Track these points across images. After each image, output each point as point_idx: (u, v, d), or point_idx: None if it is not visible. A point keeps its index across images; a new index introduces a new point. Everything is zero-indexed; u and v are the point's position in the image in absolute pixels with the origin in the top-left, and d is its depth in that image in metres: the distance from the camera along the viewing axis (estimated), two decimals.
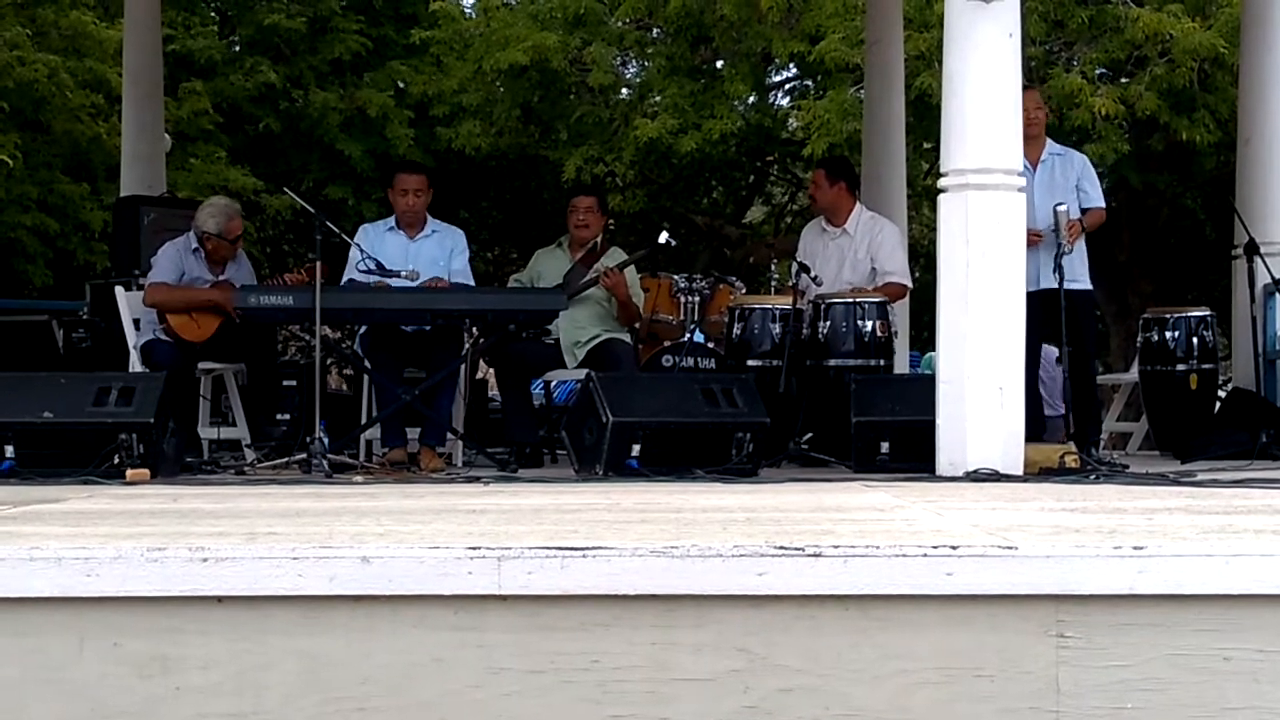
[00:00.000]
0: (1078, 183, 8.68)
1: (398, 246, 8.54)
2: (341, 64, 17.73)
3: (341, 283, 8.38)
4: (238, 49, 18.18)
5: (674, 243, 10.07)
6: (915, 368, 13.37)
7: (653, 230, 15.28)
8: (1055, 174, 8.67)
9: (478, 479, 7.00)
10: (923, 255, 16.91)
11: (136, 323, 8.76)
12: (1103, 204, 8.78)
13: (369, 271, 8.20)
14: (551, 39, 16.17)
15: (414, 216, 8.64)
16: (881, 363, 8.60)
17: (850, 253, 9.07)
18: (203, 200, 9.63)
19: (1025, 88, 10.54)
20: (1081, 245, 8.67)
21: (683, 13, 16.33)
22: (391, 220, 8.73)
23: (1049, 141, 8.91)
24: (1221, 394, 10.39)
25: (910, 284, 9.33)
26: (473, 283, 8.86)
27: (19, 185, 15.47)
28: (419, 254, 8.51)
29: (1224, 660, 3.54)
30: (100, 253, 15.61)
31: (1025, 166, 8.60)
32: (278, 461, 7.75)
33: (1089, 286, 8.76)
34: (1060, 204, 8.34)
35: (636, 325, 9.38)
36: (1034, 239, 8.16)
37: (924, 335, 15.28)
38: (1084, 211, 8.64)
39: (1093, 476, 6.86)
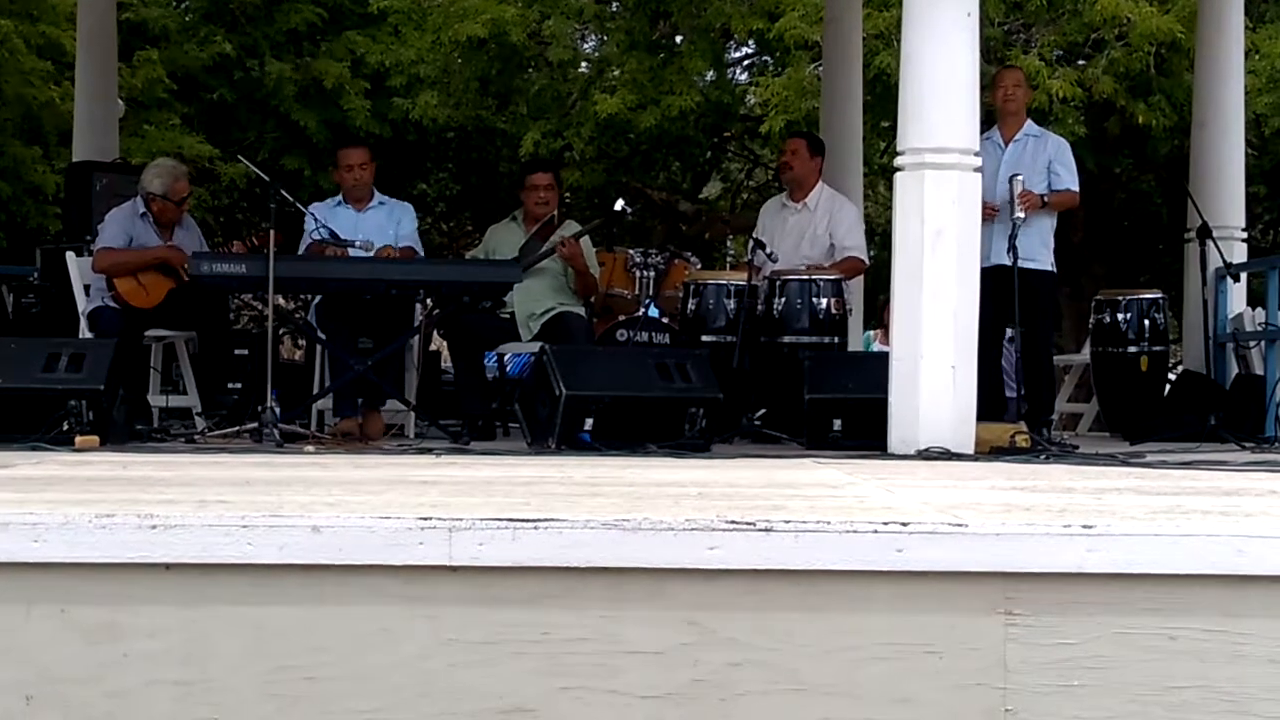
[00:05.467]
0: (1050, 164, 8.68)
1: (347, 219, 8.62)
2: (297, 34, 17.63)
3: (299, 253, 8.38)
4: (192, 18, 18.04)
5: (629, 211, 10.10)
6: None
7: (609, 204, 15.29)
8: (1026, 153, 8.68)
9: (430, 450, 6.99)
10: (878, 234, 16.96)
11: (87, 288, 8.71)
12: (1074, 188, 8.75)
13: (323, 241, 8.19)
14: (510, 12, 16.10)
15: (361, 190, 8.73)
16: (835, 340, 8.64)
17: (810, 228, 9.12)
18: None
19: (1006, 66, 10.65)
20: (1046, 226, 8.67)
21: None
22: (339, 196, 8.83)
23: (1029, 122, 8.93)
24: (1172, 376, 10.47)
25: (867, 260, 9.40)
26: (421, 248, 8.90)
27: None
28: (367, 225, 8.57)
29: (1170, 639, 3.56)
30: (53, 216, 15.50)
31: (998, 143, 8.65)
32: (229, 430, 7.72)
33: (1049, 267, 8.74)
34: (1016, 174, 8.37)
35: (592, 299, 9.37)
36: (989, 212, 8.21)
37: (878, 313, 15.31)
38: (1053, 192, 8.65)
39: (1043, 456, 6.89)
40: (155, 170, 8.85)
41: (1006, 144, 8.70)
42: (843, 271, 8.95)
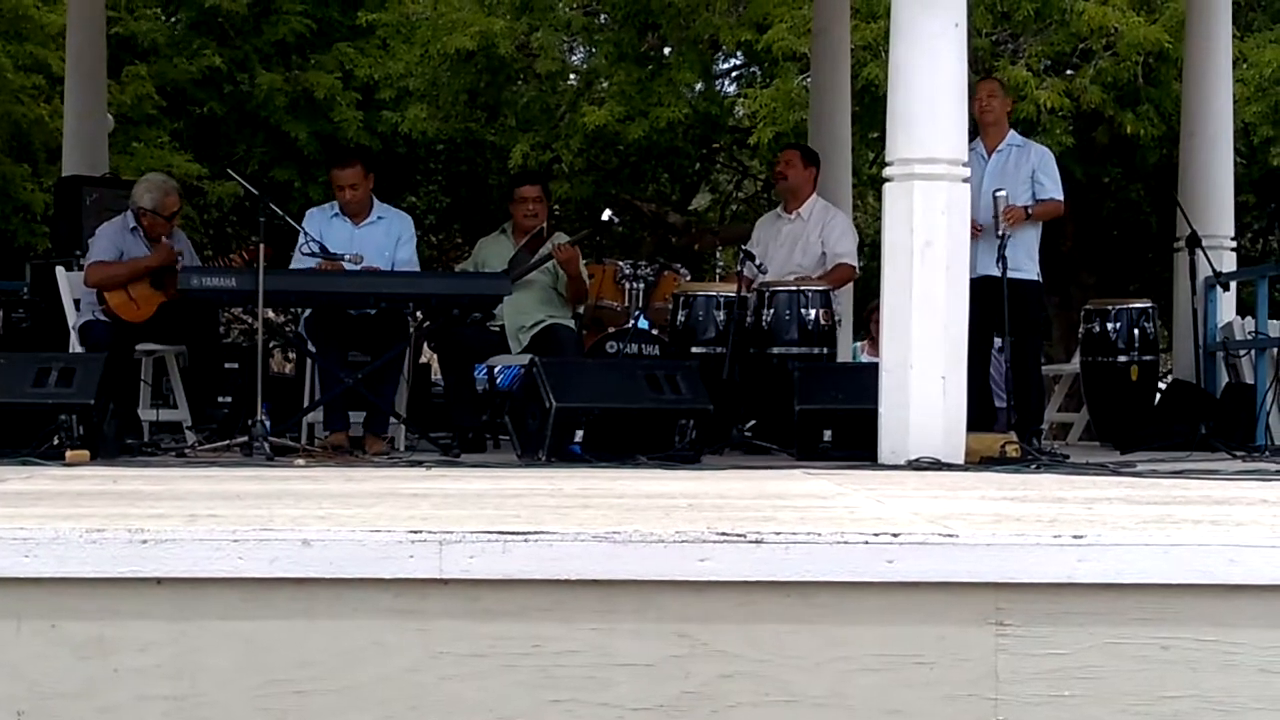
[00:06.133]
0: (1033, 174, 8.69)
1: (344, 233, 8.54)
2: (286, 46, 17.63)
3: (291, 266, 8.37)
4: (180, 30, 18.03)
5: (616, 220, 10.10)
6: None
7: (598, 215, 15.31)
8: (1009, 164, 8.70)
9: (420, 463, 6.97)
10: (867, 244, 16.97)
11: (77, 303, 8.70)
12: (1059, 197, 8.76)
13: (313, 254, 8.18)
14: (499, 24, 16.11)
15: (358, 206, 8.64)
16: (825, 350, 8.64)
17: (803, 237, 9.19)
18: None
19: (983, 78, 10.68)
20: (1030, 236, 8.68)
21: None
22: (335, 205, 8.73)
23: (1012, 132, 8.95)
24: (1162, 385, 10.48)
25: (858, 268, 9.44)
26: (419, 268, 8.87)
27: None
28: (365, 240, 8.50)
29: (1162, 649, 3.56)
30: (41, 234, 15.48)
31: (981, 154, 8.66)
32: (219, 444, 7.69)
33: (1034, 277, 8.74)
34: (999, 189, 8.37)
35: (582, 309, 9.38)
36: (974, 231, 8.19)
37: (865, 323, 15.31)
38: (1038, 202, 8.66)
39: (1033, 466, 6.89)
40: (145, 185, 8.84)
41: (989, 155, 8.71)
42: (833, 280, 8.97)
